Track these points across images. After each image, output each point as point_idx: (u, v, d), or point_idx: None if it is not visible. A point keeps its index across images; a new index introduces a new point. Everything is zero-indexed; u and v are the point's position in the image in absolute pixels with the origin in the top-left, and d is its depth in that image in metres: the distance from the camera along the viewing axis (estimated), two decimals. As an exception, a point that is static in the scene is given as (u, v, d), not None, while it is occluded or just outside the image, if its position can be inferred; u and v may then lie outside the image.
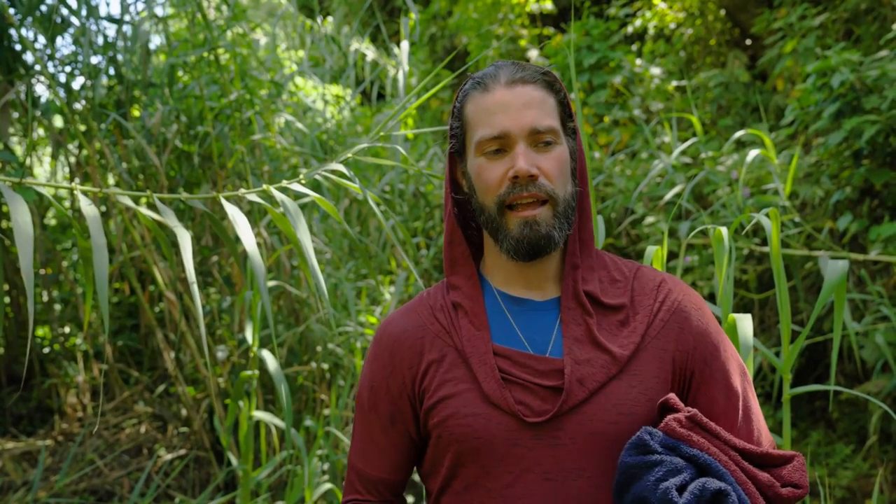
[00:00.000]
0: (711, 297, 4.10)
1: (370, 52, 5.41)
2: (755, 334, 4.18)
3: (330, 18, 6.35)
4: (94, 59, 3.82)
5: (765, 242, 3.88)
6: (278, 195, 1.50)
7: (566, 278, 1.24)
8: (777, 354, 3.72)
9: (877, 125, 3.31)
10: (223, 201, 1.47)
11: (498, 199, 1.19)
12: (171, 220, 1.37)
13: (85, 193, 1.34)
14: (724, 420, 1.19)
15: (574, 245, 1.25)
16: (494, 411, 1.17)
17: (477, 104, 1.22)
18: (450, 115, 1.29)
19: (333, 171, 1.63)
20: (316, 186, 3.85)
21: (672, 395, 1.15)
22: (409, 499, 3.72)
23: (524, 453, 1.16)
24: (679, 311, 1.23)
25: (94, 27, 3.76)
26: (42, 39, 3.70)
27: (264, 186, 1.47)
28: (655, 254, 1.71)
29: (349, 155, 1.62)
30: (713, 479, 1.06)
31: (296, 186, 1.57)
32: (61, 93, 3.64)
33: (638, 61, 5.72)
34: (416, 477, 3.15)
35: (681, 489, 1.05)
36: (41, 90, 4.02)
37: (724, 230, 1.63)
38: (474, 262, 1.30)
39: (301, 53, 5.39)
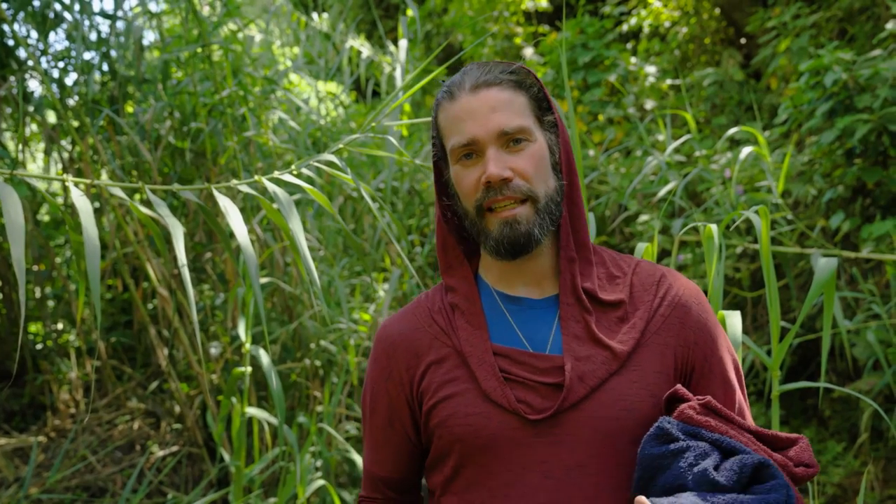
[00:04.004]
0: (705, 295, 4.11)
1: (365, 50, 5.40)
2: (748, 332, 4.19)
3: (325, 15, 6.35)
4: (88, 55, 3.81)
5: (758, 241, 3.89)
6: (271, 186, 1.50)
7: (563, 273, 1.23)
8: (769, 352, 3.73)
9: (869, 124, 3.32)
10: (215, 192, 1.47)
11: (476, 203, 1.20)
12: (164, 212, 1.37)
13: (76, 185, 1.34)
14: None
15: (567, 238, 1.25)
16: (495, 410, 1.16)
17: (446, 113, 1.23)
18: (430, 125, 1.30)
19: (327, 163, 1.63)
20: (310, 183, 3.85)
21: (679, 387, 1.15)
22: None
23: (525, 451, 1.15)
24: (680, 306, 1.23)
25: (87, 23, 3.75)
26: (35, 35, 3.69)
27: (256, 178, 1.47)
28: (646, 250, 1.71)
29: (341, 146, 1.62)
30: (747, 455, 1.06)
31: (288, 177, 1.57)
32: (54, 88, 3.63)
33: (633, 59, 5.73)
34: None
35: (715, 470, 1.05)
36: (34, 86, 4.00)
37: (714, 227, 1.63)
38: (471, 262, 1.30)
39: (296, 50, 5.38)
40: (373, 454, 1.33)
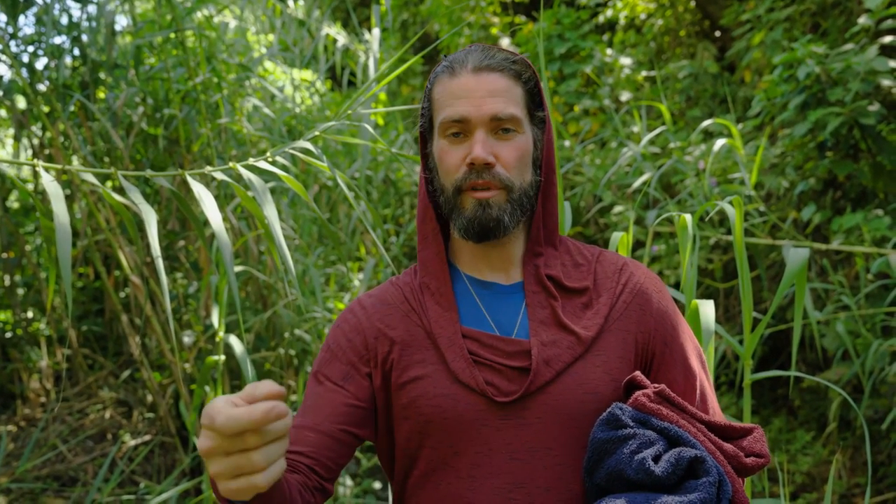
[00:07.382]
0: (678, 286, 4.14)
1: (341, 38, 5.37)
2: (720, 322, 4.24)
3: (300, 2, 6.29)
4: (58, 39, 3.75)
5: (730, 232, 3.93)
6: (245, 173, 1.49)
7: (527, 265, 1.26)
8: (741, 342, 3.77)
9: (841, 117, 3.36)
10: (189, 178, 1.45)
11: (455, 182, 1.21)
12: (137, 198, 1.35)
13: (48, 171, 1.32)
14: (683, 399, 1.22)
15: (538, 233, 1.27)
16: (463, 391, 1.18)
17: (444, 87, 1.24)
18: (423, 96, 1.30)
19: (302, 150, 1.62)
20: (284, 172, 3.82)
21: (638, 373, 1.18)
22: (376, 484, 3.72)
23: (491, 433, 1.17)
24: (641, 293, 1.26)
25: (57, 6, 3.69)
26: (4, 18, 3.62)
27: (231, 164, 1.46)
28: (621, 240, 1.72)
29: (317, 133, 1.61)
30: (687, 447, 1.08)
31: (263, 164, 1.55)
32: (24, 73, 3.57)
33: (608, 51, 5.75)
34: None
35: (655, 460, 1.07)
36: (3, 70, 3.93)
37: (688, 217, 1.64)
38: (445, 245, 1.31)
39: (271, 37, 5.33)
40: (308, 411, 1.21)
